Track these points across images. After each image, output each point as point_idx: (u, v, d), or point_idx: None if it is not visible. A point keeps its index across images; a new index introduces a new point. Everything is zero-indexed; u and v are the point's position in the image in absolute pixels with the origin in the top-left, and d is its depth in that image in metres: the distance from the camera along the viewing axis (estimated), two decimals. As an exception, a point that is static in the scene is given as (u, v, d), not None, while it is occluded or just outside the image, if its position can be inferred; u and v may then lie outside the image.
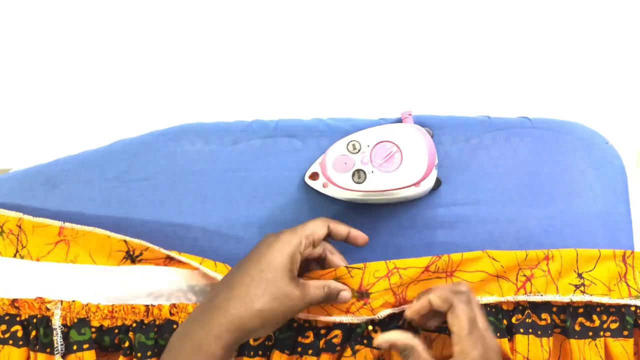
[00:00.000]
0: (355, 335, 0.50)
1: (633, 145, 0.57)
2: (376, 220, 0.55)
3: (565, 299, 0.49)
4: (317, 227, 0.47)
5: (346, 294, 0.47)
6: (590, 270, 0.50)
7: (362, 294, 0.49)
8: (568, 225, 0.54)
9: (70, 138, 0.59)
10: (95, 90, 0.61)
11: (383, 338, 0.45)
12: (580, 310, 0.50)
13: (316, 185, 0.53)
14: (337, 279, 0.49)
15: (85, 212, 0.54)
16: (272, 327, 0.44)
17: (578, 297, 0.49)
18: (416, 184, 0.49)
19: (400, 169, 0.48)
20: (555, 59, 0.60)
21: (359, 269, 0.49)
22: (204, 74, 0.60)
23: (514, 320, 0.50)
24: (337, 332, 0.50)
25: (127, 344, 0.50)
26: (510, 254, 0.50)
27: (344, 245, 0.52)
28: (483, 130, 0.56)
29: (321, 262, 0.50)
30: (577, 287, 0.50)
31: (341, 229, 0.48)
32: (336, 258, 0.49)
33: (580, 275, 0.50)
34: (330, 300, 0.47)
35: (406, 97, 0.59)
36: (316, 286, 0.45)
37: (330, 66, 0.60)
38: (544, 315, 0.50)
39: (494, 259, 0.50)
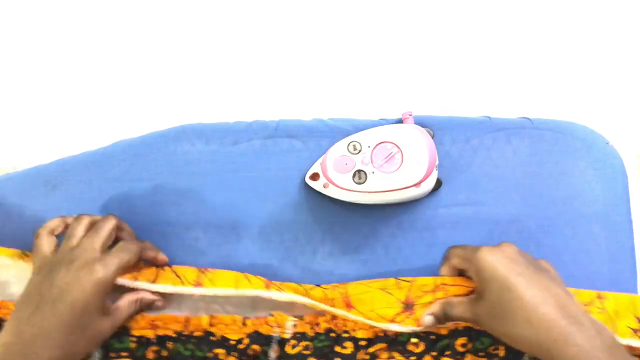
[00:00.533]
0: (396, 343, 0.49)
1: (633, 145, 0.57)
2: (376, 220, 0.55)
3: (623, 341, 0.48)
4: (131, 256, 0.47)
5: (159, 303, 0.50)
6: None
7: (407, 306, 0.49)
8: (568, 225, 0.54)
9: (71, 138, 0.59)
10: (96, 91, 0.61)
11: (426, 315, 0.48)
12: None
13: (317, 185, 0.53)
14: (384, 289, 0.50)
15: (86, 212, 0.54)
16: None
17: (636, 343, 0.48)
18: (417, 184, 0.49)
19: (401, 169, 0.48)
20: (556, 59, 0.60)
21: (407, 281, 0.50)
22: (204, 74, 0.60)
23: None
24: (382, 345, 0.49)
25: (165, 353, 0.50)
26: None
27: (348, 245, 0.52)
28: (483, 130, 0.56)
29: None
30: (635, 331, 0.49)
31: (149, 254, 0.50)
32: (151, 252, 0.50)
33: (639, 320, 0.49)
34: (143, 310, 0.49)
35: (407, 98, 0.59)
36: (128, 303, 0.47)
37: (330, 67, 0.60)
38: None
39: None
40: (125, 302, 0.48)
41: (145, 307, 0.50)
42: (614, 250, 0.54)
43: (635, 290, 0.54)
